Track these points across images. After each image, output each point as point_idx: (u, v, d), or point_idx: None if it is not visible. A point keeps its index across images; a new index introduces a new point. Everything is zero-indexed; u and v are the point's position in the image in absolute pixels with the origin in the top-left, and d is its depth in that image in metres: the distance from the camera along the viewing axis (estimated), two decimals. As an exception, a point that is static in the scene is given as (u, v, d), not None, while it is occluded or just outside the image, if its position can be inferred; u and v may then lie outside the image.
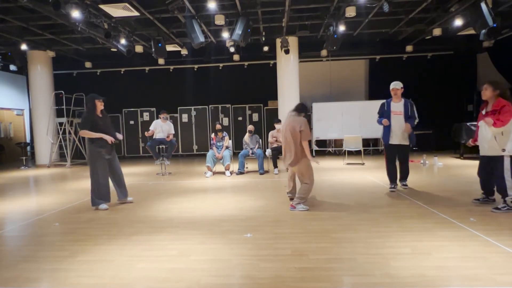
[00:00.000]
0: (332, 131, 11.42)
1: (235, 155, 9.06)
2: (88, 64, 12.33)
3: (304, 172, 4.58)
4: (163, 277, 2.69)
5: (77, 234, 3.87)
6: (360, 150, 9.46)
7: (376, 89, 12.11)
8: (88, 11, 7.28)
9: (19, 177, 8.77)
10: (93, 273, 2.81)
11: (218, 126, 8.01)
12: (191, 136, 12.97)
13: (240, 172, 7.95)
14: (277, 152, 7.82)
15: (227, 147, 7.96)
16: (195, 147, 12.97)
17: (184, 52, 11.03)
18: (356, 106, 11.33)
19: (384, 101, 5.59)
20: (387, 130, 5.46)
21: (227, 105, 12.89)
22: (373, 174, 7.30)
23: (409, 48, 11.29)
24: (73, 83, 12.84)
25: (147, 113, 12.99)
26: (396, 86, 5.40)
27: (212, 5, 7.36)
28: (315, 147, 11.57)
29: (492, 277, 2.51)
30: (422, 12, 8.48)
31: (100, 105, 4.96)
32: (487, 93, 4.22)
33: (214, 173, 8.04)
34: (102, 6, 7.13)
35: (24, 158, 11.25)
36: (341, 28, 8.63)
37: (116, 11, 7.41)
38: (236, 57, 11.51)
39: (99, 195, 4.94)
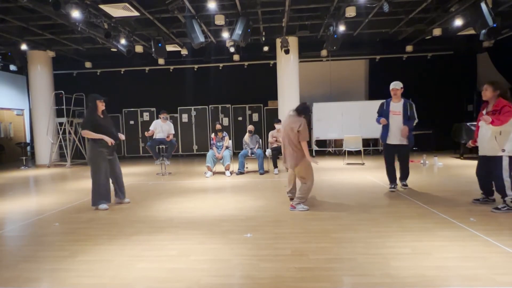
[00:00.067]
0: (332, 131, 11.42)
1: (235, 155, 9.05)
2: (88, 64, 12.33)
3: (304, 172, 4.58)
4: (163, 277, 2.69)
5: (77, 234, 3.87)
6: (360, 150, 9.46)
7: (376, 89, 12.10)
8: (88, 11, 7.27)
9: (19, 177, 8.77)
10: (93, 273, 2.81)
11: (218, 126, 8.01)
12: (191, 136, 12.97)
13: (240, 172, 7.95)
14: (277, 152, 7.81)
15: (227, 147, 7.96)
16: (195, 147, 12.97)
17: (184, 52, 11.03)
18: (356, 106, 11.33)
19: (383, 100, 5.58)
20: (385, 129, 5.45)
21: (227, 105, 12.89)
22: (373, 174, 7.30)
23: (409, 48, 11.29)
24: (73, 83, 12.84)
25: (147, 113, 12.99)
26: (395, 86, 5.39)
27: (212, 5, 7.36)
28: (315, 147, 11.58)
29: (492, 277, 2.51)
30: (422, 12, 8.48)
31: (101, 106, 4.97)
32: (487, 93, 4.23)
33: (214, 173, 8.04)
34: (102, 6, 7.13)
35: (24, 158, 11.25)
36: (341, 28, 8.63)
37: (116, 11, 7.41)
38: (236, 57, 11.51)
39: (99, 195, 4.94)
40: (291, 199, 4.88)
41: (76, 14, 6.84)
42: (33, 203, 5.57)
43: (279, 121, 8.26)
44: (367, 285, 2.47)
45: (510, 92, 4.20)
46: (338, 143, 11.99)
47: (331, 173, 7.78)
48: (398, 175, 5.66)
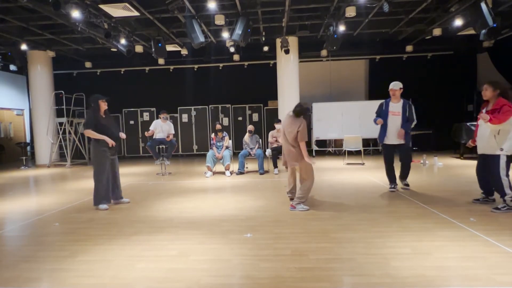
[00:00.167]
0: (332, 131, 11.42)
1: (235, 155, 9.05)
2: (88, 64, 12.33)
3: (304, 172, 4.58)
4: (163, 277, 2.69)
5: (77, 234, 3.87)
6: (360, 150, 9.46)
7: (376, 89, 12.10)
8: (88, 11, 7.28)
9: (19, 177, 8.77)
10: (93, 273, 2.81)
11: (218, 126, 8.00)
12: (191, 136, 12.97)
13: (240, 172, 7.95)
14: (277, 152, 7.81)
15: (227, 147, 7.96)
16: (195, 147, 12.97)
17: (184, 52, 11.04)
18: (356, 106, 11.33)
19: (382, 101, 5.57)
20: (383, 130, 5.44)
21: (227, 105, 12.89)
22: (373, 174, 7.30)
23: (409, 48, 11.29)
24: (73, 83, 12.85)
25: (147, 113, 12.99)
26: (394, 87, 5.38)
27: (212, 5, 7.36)
28: (315, 147, 11.58)
29: (492, 277, 2.51)
30: (422, 12, 8.48)
31: (103, 105, 5.00)
32: (487, 93, 4.24)
33: (214, 173, 8.04)
34: (102, 6, 7.13)
35: (24, 158, 11.25)
36: (341, 28, 8.63)
37: (116, 11, 7.41)
38: (236, 57, 11.51)
39: (102, 195, 4.94)
40: (291, 199, 4.88)
41: (76, 14, 6.85)
42: (33, 203, 5.57)
43: (279, 121, 8.26)
44: (367, 285, 2.47)
45: (510, 91, 4.21)
46: (338, 143, 11.99)
47: (331, 173, 7.78)
48: (398, 174, 5.65)
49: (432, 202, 4.71)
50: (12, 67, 12.62)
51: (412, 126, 5.39)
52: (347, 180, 6.76)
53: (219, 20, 7.89)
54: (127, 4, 7.06)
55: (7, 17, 8.08)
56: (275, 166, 8.00)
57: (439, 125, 11.43)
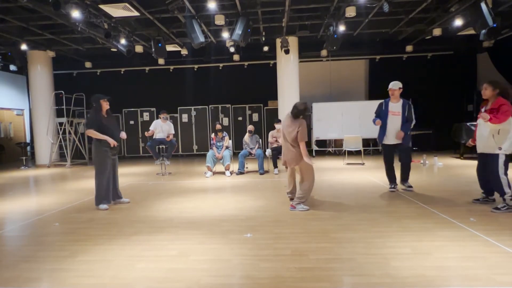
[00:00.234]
0: (332, 131, 11.42)
1: (235, 155, 9.05)
2: (88, 64, 12.33)
3: (304, 172, 4.57)
4: (163, 277, 2.69)
5: (77, 234, 3.87)
6: (360, 150, 9.46)
7: (376, 89, 12.09)
8: (88, 11, 7.28)
9: (19, 177, 8.77)
10: (93, 273, 2.81)
11: (218, 126, 8.00)
12: (191, 136, 12.97)
13: (240, 172, 7.95)
14: (277, 152, 7.81)
15: (227, 147, 7.96)
16: (195, 147, 12.97)
17: (184, 52, 11.03)
18: (356, 106, 11.32)
19: (382, 101, 5.56)
20: (382, 130, 5.43)
21: (227, 105, 12.89)
22: (373, 174, 7.30)
23: (409, 48, 11.29)
24: (73, 83, 12.85)
25: (147, 113, 12.99)
26: (393, 86, 5.36)
27: (212, 5, 7.36)
28: (315, 147, 11.58)
29: (492, 277, 2.51)
30: (422, 12, 8.48)
31: (105, 105, 5.00)
32: (487, 92, 4.24)
33: (214, 173, 8.04)
34: (102, 6, 7.13)
35: (24, 158, 11.24)
36: (341, 28, 8.63)
37: (116, 11, 7.41)
38: (236, 57, 11.51)
39: (102, 195, 4.94)
40: (291, 199, 4.88)
41: (76, 14, 6.85)
42: (33, 203, 5.57)
43: (279, 121, 8.26)
44: (367, 285, 2.47)
45: (510, 91, 4.22)
46: (338, 143, 11.99)
47: (331, 173, 7.78)
48: (398, 175, 5.65)
49: (432, 202, 4.71)
50: (12, 67, 12.62)
51: (411, 126, 5.38)
52: (347, 180, 6.76)
53: (219, 20, 7.89)
54: (127, 4, 7.06)
55: (7, 17, 8.08)
56: (275, 166, 8.00)
57: (439, 125, 11.43)
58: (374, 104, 5.69)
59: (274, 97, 11.35)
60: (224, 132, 8.08)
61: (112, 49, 10.10)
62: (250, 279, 2.62)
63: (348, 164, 9.23)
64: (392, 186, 5.58)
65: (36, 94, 11.25)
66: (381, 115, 5.43)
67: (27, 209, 5.17)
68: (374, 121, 5.49)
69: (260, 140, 8.49)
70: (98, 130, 4.83)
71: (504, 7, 8.00)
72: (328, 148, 12.24)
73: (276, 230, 3.75)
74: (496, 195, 4.37)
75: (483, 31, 8.14)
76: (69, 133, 11.09)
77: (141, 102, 13.09)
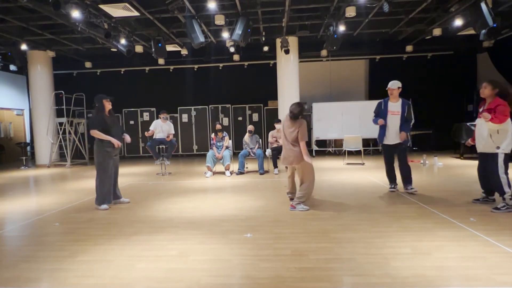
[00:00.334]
0: (332, 131, 11.42)
1: (235, 155, 9.05)
2: (88, 64, 12.33)
3: (305, 172, 4.58)
4: (163, 277, 2.69)
5: (77, 234, 3.86)
6: (360, 150, 9.46)
7: (376, 89, 12.09)
8: (88, 11, 7.28)
9: (19, 177, 8.77)
10: (93, 273, 2.81)
11: (218, 126, 8.00)
12: (191, 136, 12.97)
13: (240, 172, 7.95)
14: (277, 152, 7.81)
15: (227, 147, 7.96)
16: (195, 147, 12.97)
17: (184, 52, 11.03)
18: (356, 106, 11.33)
19: (381, 100, 5.53)
20: (382, 130, 5.42)
21: (227, 105, 12.89)
22: (373, 174, 7.30)
23: (409, 48, 11.29)
24: (73, 83, 12.85)
25: (147, 113, 12.99)
26: (391, 86, 5.33)
27: (212, 5, 7.36)
28: (315, 147, 11.57)
29: (492, 277, 2.51)
30: (422, 12, 8.48)
31: (108, 105, 5.02)
32: (486, 91, 4.23)
33: (214, 173, 8.04)
34: (102, 6, 7.13)
35: (24, 158, 11.24)
36: (341, 28, 8.63)
37: (116, 11, 7.41)
38: (236, 57, 11.51)
39: (103, 195, 4.94)
40: (291, 199, 4.88)
41: (76, 14, 6.85)
42: (33, 203, 5.57)
43: (279, 121, 8.25)
44: (367, 285, 2.47)
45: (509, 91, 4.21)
46: (338, 143, 11.99)
47: (331, 173, 7.78)
48: (398, 175, 5.63)
49: (432, 202, 4.71)
50: (12, 67, 12.62)
51: (411, 126, 5.37)
52: (347, 180, 6.76)
53: (219, 20, 7.89)
54: (127, 4, 7.06)
55: (7, 17, 8.08)
56: (275, 166, 8.00)
57: (439, 125, 11.43)
58: (374, 104, 5.68)
59: (274, 97, 11.35)
60: (224, 132, 8.08)
61: (112, 49, 10.10)
62: (250, 279, 2.62)
63: (348, 164, 9.23)
64: (392, 186, 5.58)
65: (36, 94, 11.25)
66: (381, 114, 5.42)
67: (27, 209, 5.17)
68: (374, 121, 5.48)
69: (260, 140, 8.49)
70: (102, 130, 4.83)
71: (504, 7, 8.00)
72: (328, 148, 12.24)
73: (276, 230, 3.75)
74: (496, 195, 4.37)
75: (483, 31, 8.14)
76: (69, 133, 11.08)
77: (141, 102, 13.09)
